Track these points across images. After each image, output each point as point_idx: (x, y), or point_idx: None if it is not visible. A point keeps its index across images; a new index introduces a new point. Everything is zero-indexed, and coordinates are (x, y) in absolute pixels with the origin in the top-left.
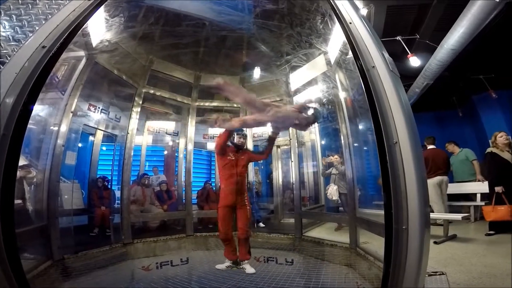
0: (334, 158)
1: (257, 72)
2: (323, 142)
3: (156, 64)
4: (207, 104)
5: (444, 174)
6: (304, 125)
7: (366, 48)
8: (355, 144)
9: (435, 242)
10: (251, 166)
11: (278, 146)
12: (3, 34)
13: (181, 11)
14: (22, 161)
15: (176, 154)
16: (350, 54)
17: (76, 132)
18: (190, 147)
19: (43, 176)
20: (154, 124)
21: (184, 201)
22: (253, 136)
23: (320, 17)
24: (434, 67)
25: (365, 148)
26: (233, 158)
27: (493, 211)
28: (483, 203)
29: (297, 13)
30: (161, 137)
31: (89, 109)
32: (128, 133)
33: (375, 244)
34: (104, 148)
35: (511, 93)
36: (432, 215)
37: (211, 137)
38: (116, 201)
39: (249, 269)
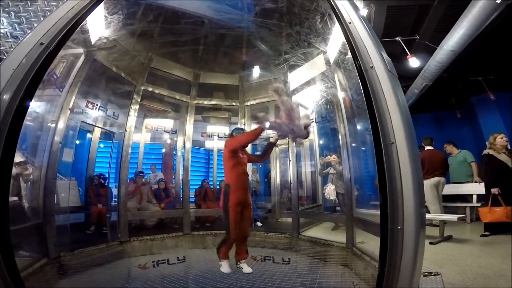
0: (332, 158)
1: (255, 71)
2: (321, 142)
3: (155, 62)
4: (205, 102)
5: (441, 175)
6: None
7: (365, 48)
8: (353, 144)
9: (430, 243)
10: (249, 165)
11: (277, 146)
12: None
13: (180, 9)
14: (18, 158)
15: (174, 152)
16: (349, 54)
17: (74, 129)
18: (188, 145)
19: (39, 173)
20: (152, 122)
21: (181, 199)
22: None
23: (319, 16)
24: (433, 68)
25: (363, 148)
26: (242, 156)
27: (489, 212)
28: (479, 204)
29: (296, 12)
30: (159, 135)
31: (87, 106)
32: (126, 130)
33: (371, 244)
34: (101, 145)
35: (510, 95)
36: (428, 216)
37: (209, 135)
38: (113, 199)
39: (246, 268)
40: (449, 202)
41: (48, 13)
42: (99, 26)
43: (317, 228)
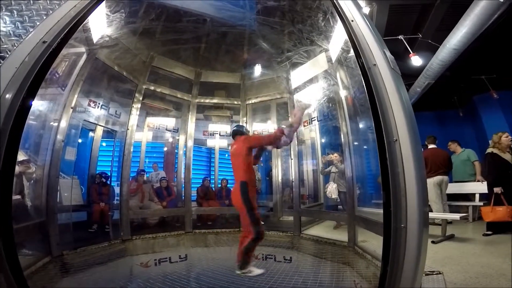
0: (334, 156)
1: (257, 69)
2: (323, 140)
3: (157, 61)
4: (207, 101)
5: (444, 173)
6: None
7: (368, 46)
8: (355, 143)
9: (433, 242)
10: None
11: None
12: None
13: (182, 7)
14: (21, 156)
15: (176, 150)
16: (352, 52)
17: (76, 127)
18: (190, 143)
19: (42, 172)
20: (154, 121)
21: (183, 197)
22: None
23: (321, 14)
24: (436, 67)
25: (365, 146)
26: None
27: (491, 211)
28: (481, 204)
29: (298, 10)
30: (161, 134)
31: (89, 104)
32: (128, 129)
33: (373, 242)
34: (104, 144)
35: None
36: (430, 215)
37: (210, 133)
38: (115, 197)
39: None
40: (451, 201)
41: (51, 12)
42: (101, 24)
43: (318, 227)
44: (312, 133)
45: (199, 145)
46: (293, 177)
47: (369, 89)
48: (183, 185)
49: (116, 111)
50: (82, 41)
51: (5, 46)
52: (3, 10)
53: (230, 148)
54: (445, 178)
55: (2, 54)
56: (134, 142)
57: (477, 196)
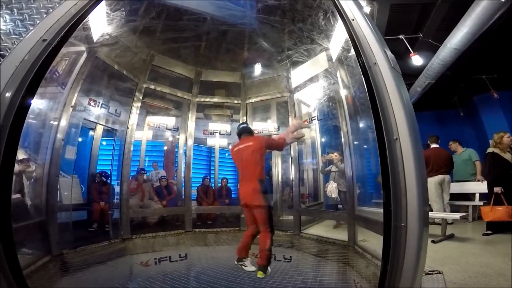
0: (334, 156)
1: (258, 68)
2: (323, 139)
3: (157, 59)
4: (207, 99)
5: (446, 173)
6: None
7: (368, 45)
8: (355, 142)
9: (433, 241)
10: None
11: None
12: (4, 27)
13: (182, 6)
14: (21, 155)
15: (176, 149)
16: (352, 51)
17: (76, 126)
18: (190, 142)
19: (42, 170)
20: (154, 119)
21: (183, 196)
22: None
23: (322, 13)
24: (437, 67)
25: (365, 146)
26: None
27: (491, 211)
28: (481, 203)
29: (299, 9)
30: (161, 132)
31: (89, 103)
32: (128, 128)
33: (373, 242)
34: (104, 143)
35: None
36: (431, 214)
37: (211, 132)
38: (115, 196)
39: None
40: (451, 200)
41: (51, 10)
42: (101, 23)
43: (318, 226)
44: (312, 132)
45: (199, 144)
46: (293, 176)
47: (369, 88)
48: (183, 184)
49: (116, 109)
50: (82, 39)
51: (5, 44)
52: (4, 8)
53: (236, 146)
54: (447, 177)
55: (2, 52)
56: (134, 141)
57: (477, 195)
